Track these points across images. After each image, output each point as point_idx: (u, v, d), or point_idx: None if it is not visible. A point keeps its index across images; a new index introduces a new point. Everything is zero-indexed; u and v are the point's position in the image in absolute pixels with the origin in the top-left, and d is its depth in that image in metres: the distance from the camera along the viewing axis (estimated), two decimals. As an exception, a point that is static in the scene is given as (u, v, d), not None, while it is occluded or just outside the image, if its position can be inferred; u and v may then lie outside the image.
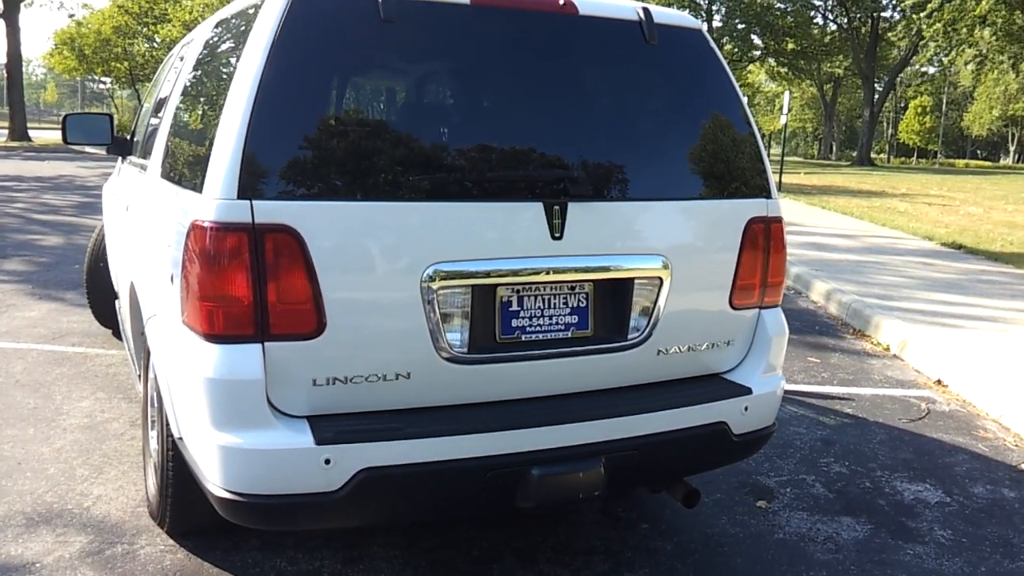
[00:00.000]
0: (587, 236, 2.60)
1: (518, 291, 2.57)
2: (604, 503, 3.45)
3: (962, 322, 6.74)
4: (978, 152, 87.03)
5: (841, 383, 5.39)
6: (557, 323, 2.64)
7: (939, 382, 5.48)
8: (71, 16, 43.28)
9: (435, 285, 2.40)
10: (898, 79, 60.02)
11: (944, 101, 72.40)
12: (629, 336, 2.74)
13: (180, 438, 2.54)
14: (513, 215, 2.51)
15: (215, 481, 2.32)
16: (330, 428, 2.31)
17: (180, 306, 2.40)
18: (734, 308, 2.92)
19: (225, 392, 2.25)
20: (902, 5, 36.18)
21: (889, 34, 44.31)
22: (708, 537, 3.26)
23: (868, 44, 49.31)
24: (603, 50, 2.78)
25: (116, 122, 4.61)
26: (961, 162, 67.98)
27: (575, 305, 2.66)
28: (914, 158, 73.16)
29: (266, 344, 2.28)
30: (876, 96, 51.34)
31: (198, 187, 2.37)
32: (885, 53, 52.23)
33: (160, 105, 3.76)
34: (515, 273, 2.52)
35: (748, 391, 2.86)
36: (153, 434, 3.10)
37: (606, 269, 2.67)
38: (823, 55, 53.47)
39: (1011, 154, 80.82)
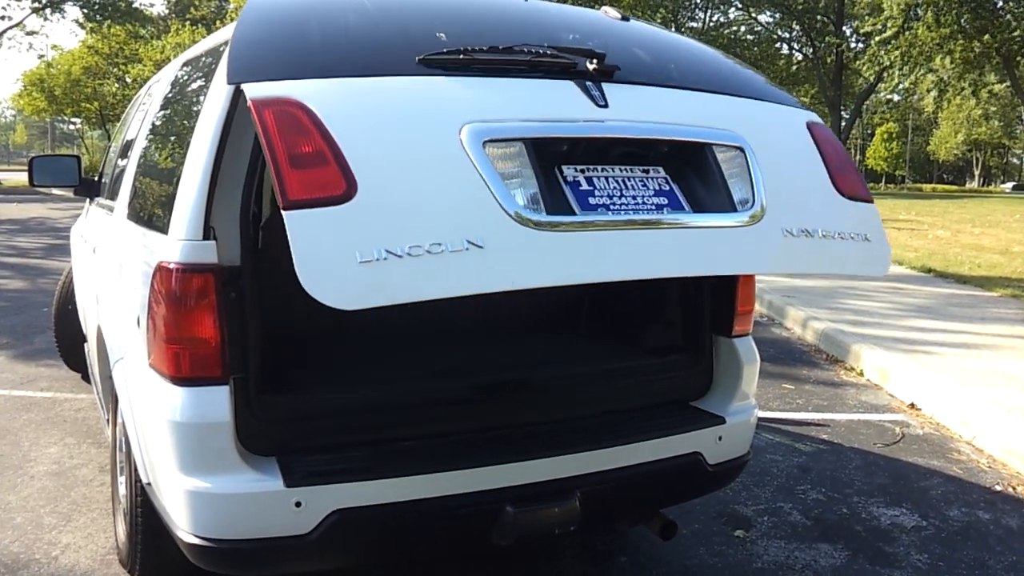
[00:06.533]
0: (636, 110, 2.31)
1: (583, 171, 2.23)
2: (583, 536, 3.42)
3: (934, 346, 6.80)
4: (944, 176, 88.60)
5: (816, 409, 5.41)
6: (646, 203, 2.24)
7: (912, 406, 5.51)
8: (40, 57, 43.14)
9: (487, 148, 2.03)
10: (864, 106, 61.16)
11: (910, 127, 73.80)
12: (739, 207, 2.30)
13: (148, 483, 2.49)
14: (546, 89, 2.25)
15: (184, 527, 2.28)
16: (300, 469, 2.28)
17: (146, 348, 2.37)
18: (844, 196, 2.52)
19: (192, 435, 2.21)
20: (863, 31, 37.03)
21: (856, 63, 45.17)
22: (687, 568, 3.24)
23: (834, 73, 50.25)
24: None
25: (86, 163, 4.57)
26: (928, 186, 69.10)
27: (656, 188, 2.29)
28: (882, 183, 74.18)
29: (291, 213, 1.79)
30: (843, 123, 52.23)
31: (164, 228, 2.35)
32: (851, 81, 53.23)
33: (127, 146, 3.74)
34: (564, 140, 2.20)
35: (722, 420, 2.86)
36: (122, 480, 3.04)
37: (675, 133, 2.33)
38: (790, 84, 54.41)
39: (976, 178, 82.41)
